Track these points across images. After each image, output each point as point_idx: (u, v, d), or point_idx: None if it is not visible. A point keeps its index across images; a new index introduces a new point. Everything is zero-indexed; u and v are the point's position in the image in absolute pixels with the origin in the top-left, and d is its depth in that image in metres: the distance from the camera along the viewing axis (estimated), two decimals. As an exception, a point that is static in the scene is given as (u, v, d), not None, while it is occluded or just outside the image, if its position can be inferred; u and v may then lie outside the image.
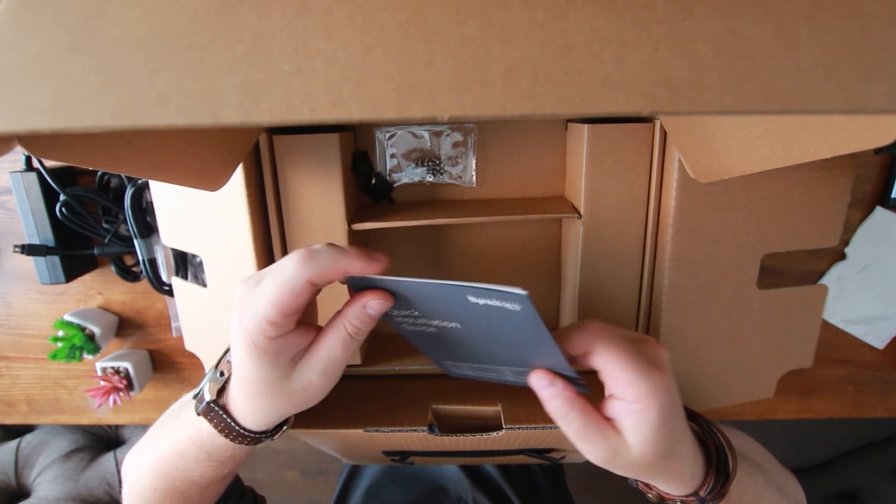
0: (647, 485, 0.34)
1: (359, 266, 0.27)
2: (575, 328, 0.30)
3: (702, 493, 0.32)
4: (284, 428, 0.35)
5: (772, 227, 0.42)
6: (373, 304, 0.28)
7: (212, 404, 0.32)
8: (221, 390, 0.32)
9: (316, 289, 0.27)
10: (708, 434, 0.34)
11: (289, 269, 0.26)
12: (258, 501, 0.47)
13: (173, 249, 0.54)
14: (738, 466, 0.34)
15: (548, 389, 0.29)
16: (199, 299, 0.49)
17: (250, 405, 0.31)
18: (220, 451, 0.33)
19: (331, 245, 0.27)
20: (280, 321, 0.26)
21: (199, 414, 0.32)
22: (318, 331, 0.30)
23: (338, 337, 0.28)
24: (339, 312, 0.29)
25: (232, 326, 0.28)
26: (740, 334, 0.45)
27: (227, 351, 0.34)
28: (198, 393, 0.33)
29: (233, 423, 0.32)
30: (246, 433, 0.32)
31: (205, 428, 0.32)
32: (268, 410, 0.31)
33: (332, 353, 0.29)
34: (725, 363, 0.46)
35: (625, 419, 0.28)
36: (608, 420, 0.29)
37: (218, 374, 0.33)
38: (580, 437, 0.29)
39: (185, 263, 0.55)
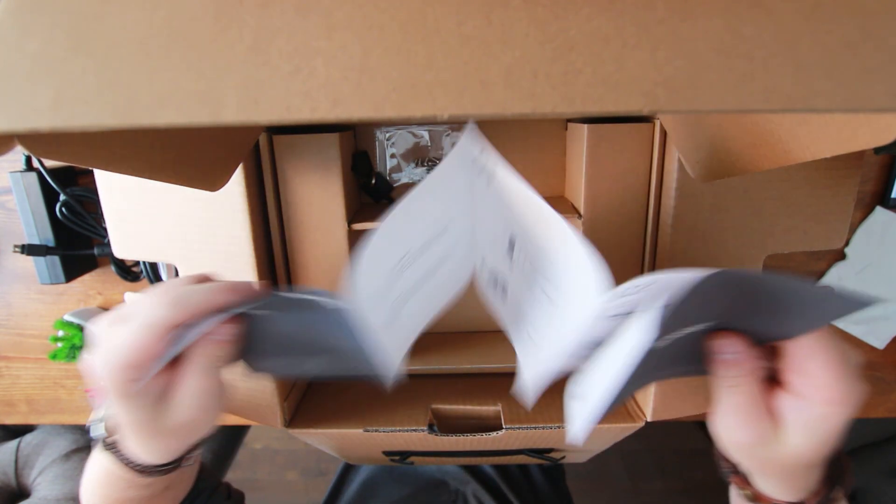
0: (745, 480, 0.31)
1: (230, 298, 0.26)
2: None
3: None
4: (196, 452, 0.33)
5: (775, 228, 0.41)
6: (221, 332, 0.27)
7: (106, 441, 0.30)
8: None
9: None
10: None
11: (155, 313, 0.25)
12: (233, 497, 0.43)
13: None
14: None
15: (734, 355, 0.26)
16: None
17: (137, 443, 0.29)
18: (137, 479, 0.31)
19: (202, 281, 0.27)
20: (145, 365, 0.25)
21: (100, 447, 0.31)
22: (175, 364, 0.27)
23: (199, 368, 0.27)
24: (193, 344, 0.27)
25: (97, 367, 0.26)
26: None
27: None
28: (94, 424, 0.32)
29: (130, 460, 0.30)
30: (148, 468, 0.30)
31: (112, 459, 0.31)
32: (156, 448, 0.29)
33: (199, 386, 0.27)
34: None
35: (797, 417, 0.25)
36: (771, 407, 0.26)
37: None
38: (737, 411, 0.25)
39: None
